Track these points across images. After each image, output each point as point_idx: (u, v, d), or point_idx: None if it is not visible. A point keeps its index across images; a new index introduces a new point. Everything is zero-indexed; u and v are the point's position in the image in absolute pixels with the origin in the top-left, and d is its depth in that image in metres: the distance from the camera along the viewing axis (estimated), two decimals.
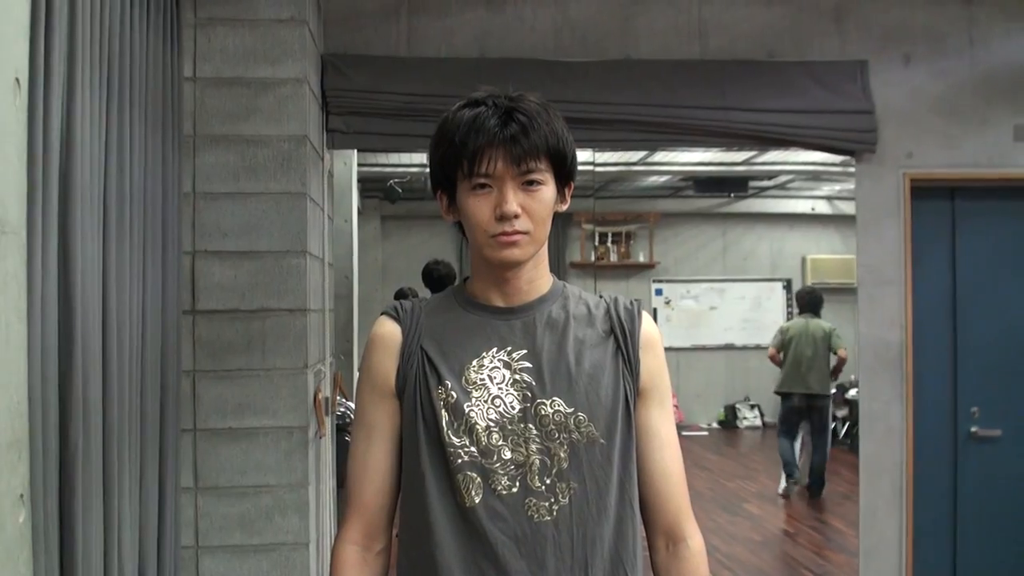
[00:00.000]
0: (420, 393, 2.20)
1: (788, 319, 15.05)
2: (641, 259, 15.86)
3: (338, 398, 6.11)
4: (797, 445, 10.91)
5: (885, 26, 5.85)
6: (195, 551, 4.63)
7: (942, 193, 6.00)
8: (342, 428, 6.14)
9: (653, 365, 2.29)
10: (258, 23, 4.73)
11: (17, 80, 2.35)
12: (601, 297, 2.35)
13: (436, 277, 8.52)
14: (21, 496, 2.33)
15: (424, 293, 9.45)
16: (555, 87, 5.49)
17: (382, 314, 2.33)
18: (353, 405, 6.51)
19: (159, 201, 4.00)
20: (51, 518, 2.71)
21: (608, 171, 12.66)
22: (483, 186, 2.14)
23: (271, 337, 4.69)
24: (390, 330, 2.29)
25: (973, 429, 5.99)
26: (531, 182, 2.14)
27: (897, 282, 5.81)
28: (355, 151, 7.44)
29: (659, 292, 15.92)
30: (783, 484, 10.98)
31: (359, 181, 8.84)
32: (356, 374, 7.94)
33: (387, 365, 2.27)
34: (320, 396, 5.01)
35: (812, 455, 10.80)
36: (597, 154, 10.71)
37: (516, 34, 5.67)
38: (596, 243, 15.63)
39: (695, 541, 2.28)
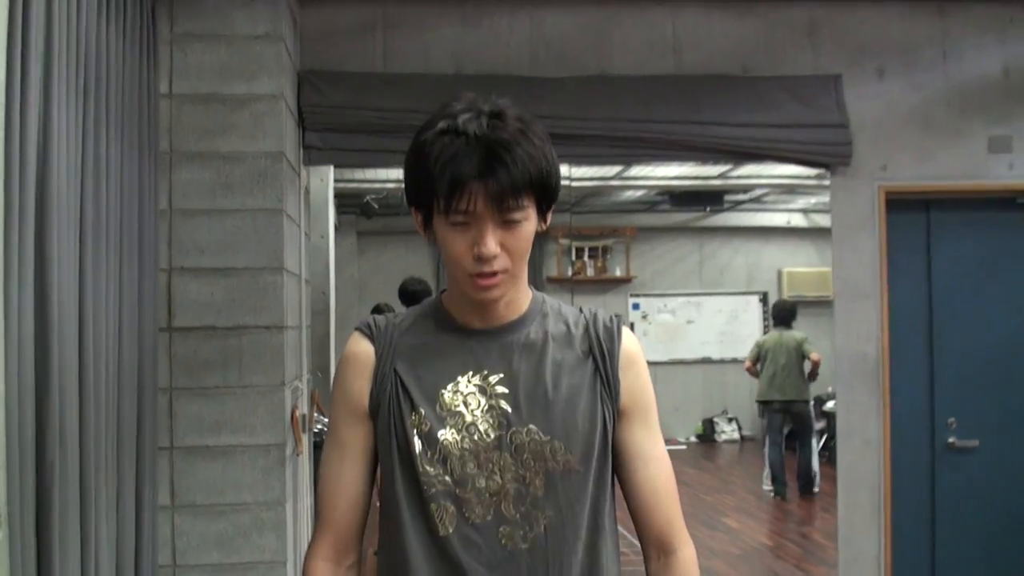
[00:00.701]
0: (393, 418, 2.15)
1: (765, 332, 15.09)
2: (618, 273, 15.87)
3: (315, 415, 6.09)
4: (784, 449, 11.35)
5: (859, 40, 5.87)
6: (172, 570, 4.61)
7: (917, 205, 6.02)
8: (319, 445, 6.11)
9: (634, 384, 2.23)
10: (234, 39, 4.73)
11: None
12: (581, 311, 2.29)
13: (412, 294, 8.52)
14: None
15: (401, 310, 9.45)
16: (531, 102, 5.47)
17: (355, 330, 2.27)
18: (322, 425, 6.48)
19: (135, 218, 3.99)
20: (28, 536, 2.70)
21: (584, 186, 12.66)
22: (461, 222, 2.02)
23: (248, 354, 4.67)
24: (364, 350, 2.23)
25: (950, 440, 6.00)
26: (511, 219, 2.03)
27: (873, 295, 5.83)
28: (332, 167, 7.43)
29: (636, 306, 15.94)
30: (767, 485, 11.43)
31: (335, 197, 8.83)
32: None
33: (360, 386, 2.21)
34: (297, 413, 5.00)
35: (798, 457, 11.31)
36: (573, 169, 10.72)
37: (492, 50, 5.68)
38: (573, 258, 15.63)
39: (685, 551, 2.24)
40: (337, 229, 9.98)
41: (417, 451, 2.10)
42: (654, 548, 2.26)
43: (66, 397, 3.00)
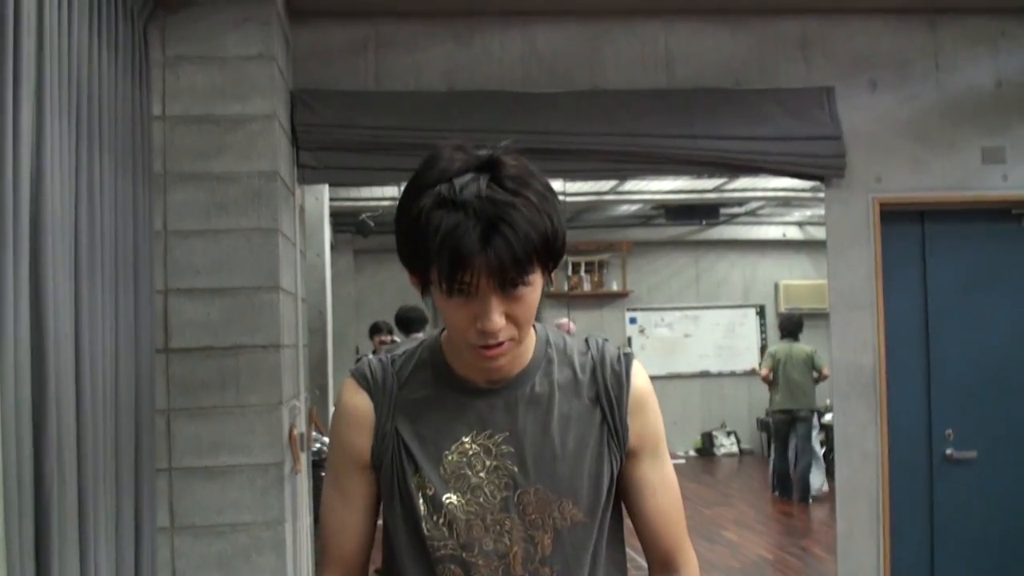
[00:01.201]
0: (397, 479, 2.08)
1: (762, 344, 15.11)
2: (615, 288, 15.90)
3: (313, 433, 6.09)
4: (791, 456, 12.12)
5: (851, 52, 5.89)
6: None
7: (912, 217, 6.03)
8: (318, 464, 6.12)
9: (643, 426, 2.17)
10: (226, 61, 4.74)
11: None
12: (588, 347, 2.20)
13: (408, 322, 8.57)
14: None
15: (397, 335, 9.48)
16: (523, 118, 5.51)
17: (351, 376, 2.18)
18: (328, 440, 6.47)
19: (130, 240, 3.99)
20: (27, 559, 2.69)
21: (579, 201, 12.68)
22: (462, 294, 1.88)
23: (245, 374, 4.67)
24: (361, 405, 2.14)
25: (948, 451, 6.00)
26: (516, 287, 1.89)
27: (869, 306, 5.83)
28: (326, 186, 7.45)
29: (633, 321, 15.96)
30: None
31: (331, 216, 8.86)
32: (331, 409, 7.91)
33: (361, 443, 2.13)
34: (295, 432, 4.99)
35: (799, 462, 12.05)
36: (567, 184, 10.74)
37: (484, 66, 5.69)
38: (569, 273, 15.66)
39: (689, 570, 2.23)
40: (333, 248, 10.01)
41: (422, 514, 2.05)
42: (659, 568, 2.25)
43: (63, 419, 3.00)
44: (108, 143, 3.70)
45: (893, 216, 5.90)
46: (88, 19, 3.49)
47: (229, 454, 4.64)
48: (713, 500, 12.25)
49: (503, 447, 2.07)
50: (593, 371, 2.15)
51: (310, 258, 7.01)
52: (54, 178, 3.00)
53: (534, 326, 2.12)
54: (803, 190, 11.80)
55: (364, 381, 2.15)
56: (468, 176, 1.87)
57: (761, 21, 5.86)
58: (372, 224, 12.39)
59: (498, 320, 1.90)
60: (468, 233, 1.82)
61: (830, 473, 10.87)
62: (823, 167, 5.80)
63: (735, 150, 5.70)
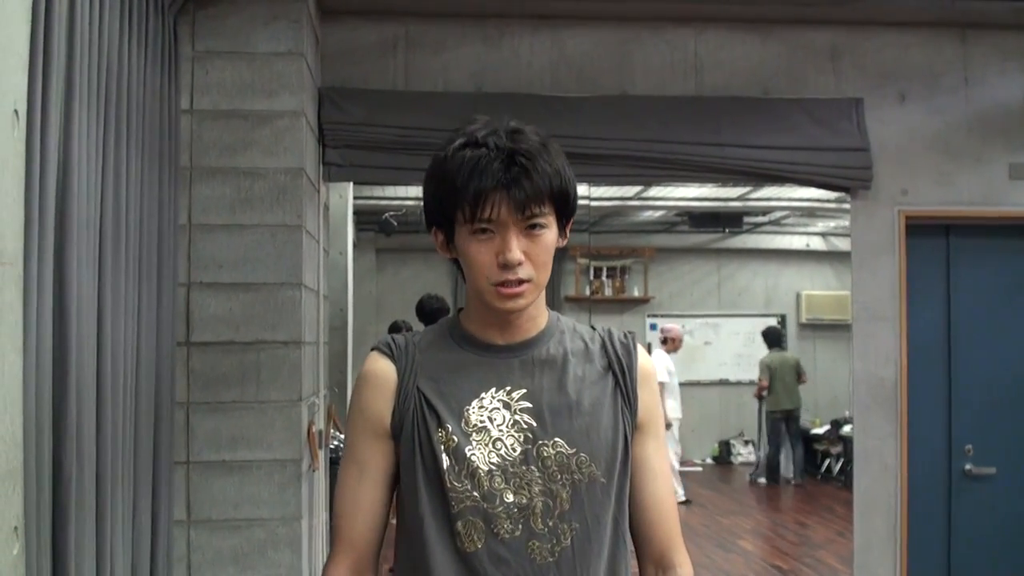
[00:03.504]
0: (419, 436, 2.15)
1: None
2: (636, 293, 15.88)
3: (332, 431, 6.09)
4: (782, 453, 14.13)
5: (880, 64, 5.88)
6: None
7: (937, 230, 6.01)
8: (336, 461, 6.11)
9: (649, 400, 2.27)
10: (255, 56, 4.75)
11: (16, 112, 2.36)
12: (595, 330, 2.32)
13: (430, 311, 8.51)
14: (15, 528, 2.32)
15: (418, 327, 9.47)
16: (551, 122, 5.48)
17: (373, 350, 2.27)
18: (339, 441, 6.47)
19: (155, 232, 4.00)
20: (44, 550, 2.70)
21: (603, 205, 12.69)
22: (485, 231, 2.07)
23: (265, 369, 4.68)
24: (384, 368, 2.23)
25: (967, 467, 5.98)
26: (534, 226, 2.08)
27: (892, 319, 5.82)
28: (351, 184, 7.46)
29: (654, 327, 15.91)
30: (762, 478, 14.08)
31: (355, 214, 8.86)
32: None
33: (381, 405, 2.20)
34: (314, 429, 5.00)
35: (792, 453, 14.04)
36: (592, 189, 10.74)
37: (513, 69, 5.69)
38: (591, 277, 15.64)
39: (684, 570, 2.26)
40: (356, 246, 10.01)
41: (445, 467, 2.11)
42: (653, 565, 2.28)
43: (83, 411, 3.00)
44: (135, 136, 3.70)
45: (918, 229, 5.88)
46: (119, 12, 3.50)
47: (247, 449, 4.65)
48: (729, 509, 12.21)
49: (521, 403, 2.16)
50: (603, 344, 2.29)
51: (333, 256, 7.02)
52: (81, 169, 3.01)
53: (547, 307, 2.28)
54: (828, 201, 11.78)
55: (387, 348, 2.25)
56: (489, 130, 2.13)
57: (791, 31, 5.85)
58: (395, 223, 12.40)
59: (518, 252, 2.06)
60: (491, 163, 2.05)
61: (847, 485, 10.90)
62: (850, 178, 5.78)
63: (762, 159, 5.69)
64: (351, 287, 8.14)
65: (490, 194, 2.04)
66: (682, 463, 15.46)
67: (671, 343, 12.91)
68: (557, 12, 5.71)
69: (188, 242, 4.66)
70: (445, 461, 2.11)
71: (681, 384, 14.92)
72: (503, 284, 2.08)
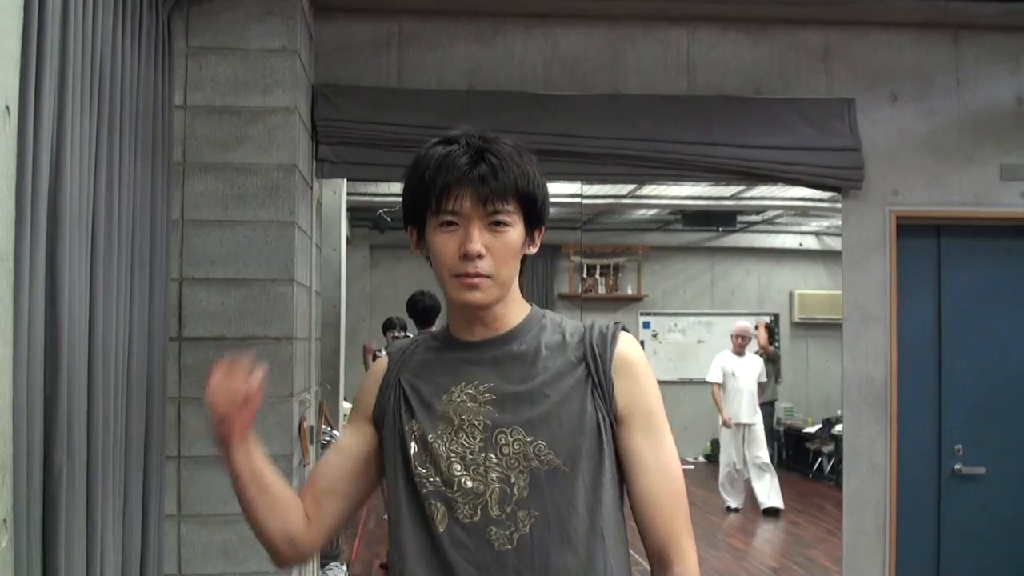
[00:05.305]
0: (397, 425, 2.29)
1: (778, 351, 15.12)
2: (629, 292, 15.86)
3: (323, 427, 6.10)
4: None
5: (872, 65, 5.89)
6: None
7: (928, 231, 6.03)
8: None
9: (632, 389, 2.24)
10: (249, 53, 4.76)
11: (7, 108, 2.37)
12: (584, 325, 2.33)
13: (421, 308, 8.48)
14: (4, 521, 2.33)
15: (410, 324, 9.47)
16: (544, 120, 5.52)
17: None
18: (338, 435, 6.51)
19: (147, 228, 4.01)
20: (34, 544, 2.71)
21: (596, 204, 12.66)
22: (450, 223, 2.16)
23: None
24: (381, 366, 2.42)
25: (957, 467, 5.99)
26: (498, 223, 2.16)
27: (882, 318, 5.83)
28: (344, 180, 7.46)
29: (647, 325, 15.91)
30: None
31: (348, 210, 8.85)
32: (342, 403, 7.94)
33: (370, 394, 2.39)
34: (305, 425, 5.01)
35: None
36: (585, 187, 10.74)
37: (506, 67, 5.70)
38: (584, 275, 15.62)
39: (681, 567, 2.22)
40: (349, 242, 10.00)
41: (412, 453, 2.23)
42: (655, 560, 2.26)
43: (74, 404, 3.01)
44: (129, 131, 3.71)
45: (909, 230, 5.89)
46: (112, 8, 3.50)
47: None
48: (721, 507, 12.21)
49: (486, 395, 2.23)
50: (582, 337, 2.30)
51: (326, 252, 7.02)
52: (73, 165, 3.02)
53: (532, 305, 2.37)
54: (821, 200, 11.74)
55: (390, 351, 2.46)
56: (464, 132, 2.23)
57: (784, 31, 5.87)
58: (389, 220, 12.39)
59: (478, 244, 2.14)
60: (459, 157, 2.15)
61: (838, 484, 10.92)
62: (841, 178, 5.80)
63: (754, 159, 5.71)
64: (344, 283, 8.14)
65: (455, 186, 2.14)
66: None
67: (735, 342, 12.35)
68: (551, 10, 5.73)
69: (181, 237, 4.67)
70: (413, 448, 2.24)
71: (674, 382, 14.95)
72: (464, 275, 2.16)
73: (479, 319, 2.26)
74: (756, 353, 12.43)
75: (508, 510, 2.14)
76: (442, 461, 2.18)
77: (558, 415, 2.18)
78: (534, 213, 2.22)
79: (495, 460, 2.16)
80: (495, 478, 2.15)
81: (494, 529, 2.14)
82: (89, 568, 3.20)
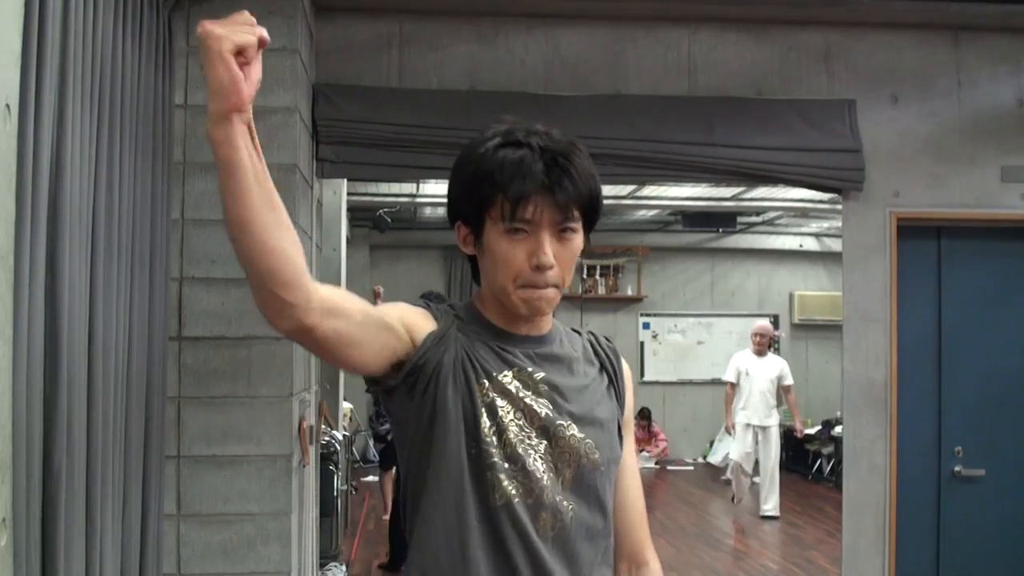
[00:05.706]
0: (461, 386, 2.12)
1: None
2: (629, 292, 15.89)
3: (323, 427, 6.10)
4: None
5: (873, 67, 5.89)
6: None
7: (928, 232, 6.02)
8: (326, 457, 6.13)
9: (630, 398, 2.38)
10: None
11: (7, 106, 2.36)
12: (579, 333, 2.37)
13: None
14: (3, 520, 2.33)
15: None
16: (544, 120, 5.42)
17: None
18: (337, 435, 6.49)
19: (147, 227, 4.00)
20: (33, 542, 2.71)
21: None
22: (519, 231, 2.07)
23: (257, 365, 4.69)
24: (425, 312, 2.18)
25: (957, 468, 5.99)
26: (566, 230, 2.10)
27: (883, 320, 5.83)
28: (344, 180, 7.46)
29: (646, 326, 15.95)
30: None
31: (348, 210, 8.86)
32: (342, 403, 7.93)
33: (421, 328, 2.13)
34: (304, 425, 5.01)
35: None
36: None
37: (506, 67, 5.70)
38: (584, 275, 15.66)
39: (656, 564, 2.37)
40: (350, 242, 10.02)
41: (484, 418, 2.11)
42: (626, 562, 2.37)
43: (74, 403, 3.01)
44: (129, 130, 3.71)
45: (910, 231, 5.89)
46: (113, 7, 3.50)
47: (238, 444, 4.66)
48: (720, 508, 12.23)
49: (541, 386, 2.18)
50: (593, 347, 2.35)
51: (326, 252, 7.02)
52: (74, 163, 3.02)
53: None
54: (821, 201, 11.79)
55: (427, 309, 2.21)
56: (524, 130, 2.14)
57: (785, 32, 5.87)
58: (389, 220, 12.40)
59: (551, 255, 2.08)
60: (534, 163, 2.06)
61: (837, 485, 10.93)
62: (842, 180, 5.80)
63: (754, 159, 5.70)
64: (344, 283, 8.14)
65: (533, 196, 2.05)
66: (673, 463, 15.49)
67: (754, 341, 11.81)
68: (551, 11, 5.72)
69: (181, 237, 4.67)
70: (484, 413, 2.11)
71: (674, 383, 14.97)
72: (532, 286, 2.10)
73: (526, 318, 2.21)
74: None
75: (556, 500, 2.13)
76: (509, 436, 2.11)
77: (601, 418, 2.23)
78: (595, 212, 2.17)
79: (550, 448, 2.15)
80: (549, 467, 2.14)
81: (543, 515, 2.12)
82: (88, 567, 3.19)
